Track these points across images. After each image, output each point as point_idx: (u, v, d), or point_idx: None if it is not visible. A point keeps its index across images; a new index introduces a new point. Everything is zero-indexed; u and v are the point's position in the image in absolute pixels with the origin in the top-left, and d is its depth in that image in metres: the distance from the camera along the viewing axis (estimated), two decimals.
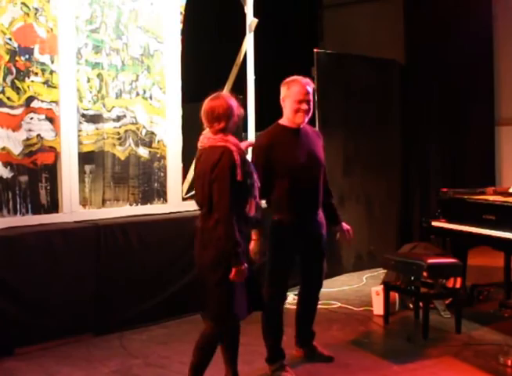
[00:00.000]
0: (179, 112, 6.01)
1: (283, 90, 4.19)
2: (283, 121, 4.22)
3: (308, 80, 4.22)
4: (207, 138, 3.74)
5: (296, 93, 4.11)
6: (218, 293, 3.60)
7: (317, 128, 7.13)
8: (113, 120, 5.62)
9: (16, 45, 4.97)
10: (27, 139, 5.04)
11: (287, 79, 4.25)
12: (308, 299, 4.54)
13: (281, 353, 4.29)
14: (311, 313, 4.57)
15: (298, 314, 4.57)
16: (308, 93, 4.12)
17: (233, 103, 3.67)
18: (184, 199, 6.12)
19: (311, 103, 4.16)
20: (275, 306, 4.22)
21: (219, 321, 3.70)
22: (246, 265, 3.53)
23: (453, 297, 5.27)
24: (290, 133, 4.16)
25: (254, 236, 4.03)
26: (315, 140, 4.28)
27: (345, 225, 4.51)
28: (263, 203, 4.04)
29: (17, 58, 4.98)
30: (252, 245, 4.02)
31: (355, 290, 6.60)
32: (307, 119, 4.19)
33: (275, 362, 4.26)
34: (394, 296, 5.59)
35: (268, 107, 7.04)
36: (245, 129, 6.86)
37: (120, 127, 5.66)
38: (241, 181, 3.50)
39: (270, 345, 4.28)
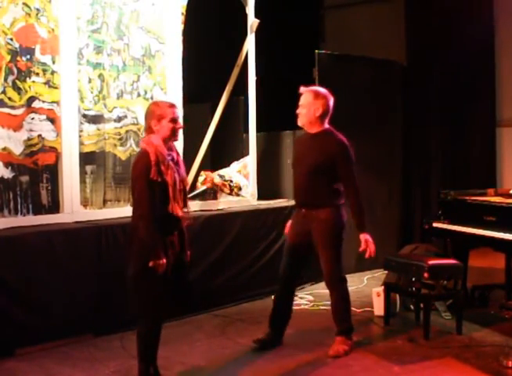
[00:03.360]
0: (180, 113, 5.99)
1: None
2: None
3: (312, 89, 4.72)
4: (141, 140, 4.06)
5: None
6: (141, 288, 3.87)
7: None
8: (114, 120, 5.62)
9: (17, 45, 4.97)
10: (28, 139, 5.04)
11: None
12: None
13: (270, 323, 4.85)
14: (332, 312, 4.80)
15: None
16: (301, 99, 4.66)
17: (162, 107, 3.95)
18: None
19: (303, 107, 4.64)
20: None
21: (145, 316, 3.97)
22: (164, 260, 3.78)
23: (454, 298, 5.26)
24: (305, 137, 4.81)
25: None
26: (319, 145, 4.65)
27: (362, 238, 4.86)
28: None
29: (18, 58, 4.98)
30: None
31: (356, 291, 6.59)
32: (305, 121, 4.66)
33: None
34: (395, 297, 5.58)
35: (270, 108, 7.08)
36: (246, 130, 6.86)
37: (121, 127, 5.66)
38: (158, 180, 3.78)
39: None
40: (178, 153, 4.05)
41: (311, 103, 4.61)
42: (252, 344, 4.77)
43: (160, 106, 3.95)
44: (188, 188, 4.10)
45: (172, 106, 4.00)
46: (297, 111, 4.69)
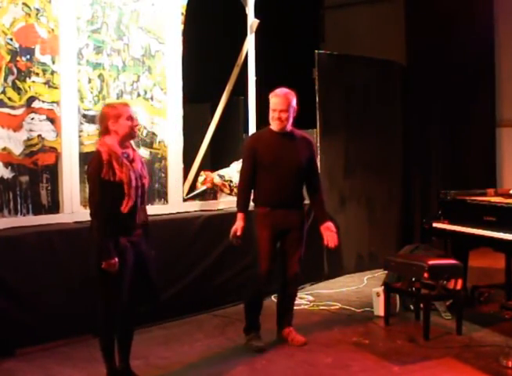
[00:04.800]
0: (180, 113, 6.01)
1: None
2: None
3: (288, 92, 4.77)
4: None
5: (272, 104, 4.77)
6: (98, 287, 3.92)
7: (318, 130, 7.16)
8: None
9: (17, 45, 4.96)
10: (28, 139, 5.03)
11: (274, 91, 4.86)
12: (282, 292, 4.95)
13: (256, 326, 4.84)
14: (286, 306, 4.95)
15: (278, 305, 5.03)
16: (281, 103, 4.70)
17: (118, 107, 4.00)
18: (185, 200, 6.12)
19: (284, 112, 4.69)
20: (256, 287, 4.80)
21: (102, 311, 3.96)
22: (116, 259, 3.79)
23: (454, 298, 5.26)
24: (275, 135, 4.78)
25: (237, 220, 4.71)
26: (299, 145, 4.79)
27: (327, 226, 4.85)
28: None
29: (18, 58, 4.97)
30: (233, 228, 4.70)
31: (356, 291, 6.60)
32: (286, 125, 4.74)
33: (250, 333, 4.82)
34: (395, 297, 5.58)
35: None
36: (246, 130, 6.86)
37: None
38: (110, 179, 3.81)
39: (247, 317, 4.86)
40: (134, 150, 4.06)
41: (291, 105, 4.72)
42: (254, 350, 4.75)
43: (116, 107, 4.02)
44: (147, 184, 4.06)
45: (127, 105, 4.07)
46: (278, 116, 4.70)
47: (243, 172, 4.86)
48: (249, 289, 4.86)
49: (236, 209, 4.85)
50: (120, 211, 3.84)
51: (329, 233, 4.82)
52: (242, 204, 4.81)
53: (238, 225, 4.72)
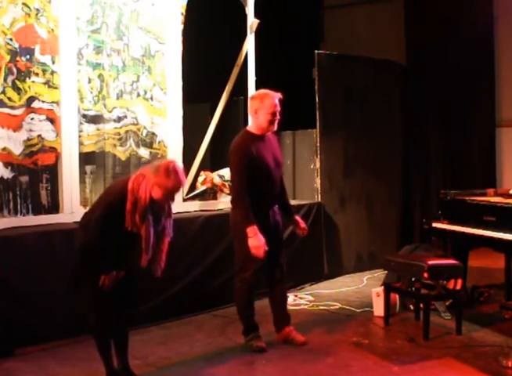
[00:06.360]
0: (180, 113, 6.01)
1: (256, 103, 4.69)
2: (251, 128, 4.77)
3: (276, 93, 4.71)
4: None
5: (270, 106, 4.64)
6: (88, 283, 3.97)
7: (318, 130, 7.18)
8: (114, 120, 5.62)
9: (16, 45, 4.97)
10: (28, 139, 5.04)
11: (258, 93, 4.82)
12: (272, 292, 4.92)
13: (254, 326, 4.80)
14: (280, 306, 4.92)
15: (272, 307, 4.95)
16: (278, 106, 4.68)
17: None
18: (185, 200, 6.12)
19: (279, 115, 4.71)
20: (243, 288, 4.74)
21: (92, 312, 4.01)
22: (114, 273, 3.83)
23: (454, 298, 5.26)
24: (258, 139, 4.71)
25: (257, 235, 4.49)
26: (275, 144, 4.85)
27: (298, 218, 4.98)
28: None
29: (18, 58, 4.98)
30: (257, 244, 4.50)
31: (356, 291, 6.60)
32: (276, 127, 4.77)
33: (249, 334, 4.78)
34: (395, 297, 5.58)
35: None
36: None
37: (120, 127, 5.66)
38: (127, 228, 3.81)
39: (243, 320, 4.81)
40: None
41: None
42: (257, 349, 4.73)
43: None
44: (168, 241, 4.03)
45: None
46: (277, 119, 4.69)
47: (242, 183, 4.60)
48: (238, 293, 4.77)
49: None
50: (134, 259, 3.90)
51: (301, 225, 4.93)
52: (251, 216, 4.54)
53: (262, 241, 4.52)
